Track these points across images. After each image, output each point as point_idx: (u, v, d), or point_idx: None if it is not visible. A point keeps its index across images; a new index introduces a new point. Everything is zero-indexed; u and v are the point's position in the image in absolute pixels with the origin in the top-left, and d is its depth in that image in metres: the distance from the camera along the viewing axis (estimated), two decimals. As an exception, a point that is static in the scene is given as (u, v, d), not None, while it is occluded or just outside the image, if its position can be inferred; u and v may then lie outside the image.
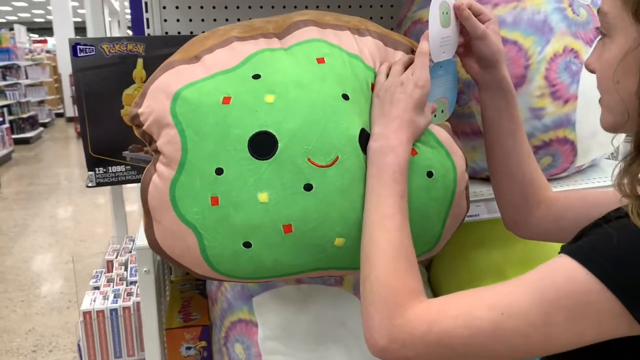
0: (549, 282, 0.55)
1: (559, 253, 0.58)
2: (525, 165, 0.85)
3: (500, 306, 0.56)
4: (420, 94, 0.74)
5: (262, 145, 0.72)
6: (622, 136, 1.09)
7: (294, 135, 0.72)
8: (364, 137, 0.75)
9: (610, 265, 0.52)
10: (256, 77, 0.75)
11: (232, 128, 0.72)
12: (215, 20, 1.25)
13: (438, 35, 0.79)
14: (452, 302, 0.60)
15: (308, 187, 0.72)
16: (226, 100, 0.73)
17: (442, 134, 0.82)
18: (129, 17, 1.27)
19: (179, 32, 1.23)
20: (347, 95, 0.75)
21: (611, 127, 0.66)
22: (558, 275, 0.54)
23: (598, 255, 0.53)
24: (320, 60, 0.77)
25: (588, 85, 1.02)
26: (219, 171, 0.72)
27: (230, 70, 0.76)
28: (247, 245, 0.73)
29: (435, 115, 0.83)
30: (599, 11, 0.64)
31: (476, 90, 0.97)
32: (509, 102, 0.83)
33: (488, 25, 0.82)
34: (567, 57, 1.00)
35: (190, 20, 1.24)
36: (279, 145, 0.72)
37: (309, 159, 0.72)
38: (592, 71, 0.68)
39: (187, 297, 1.23)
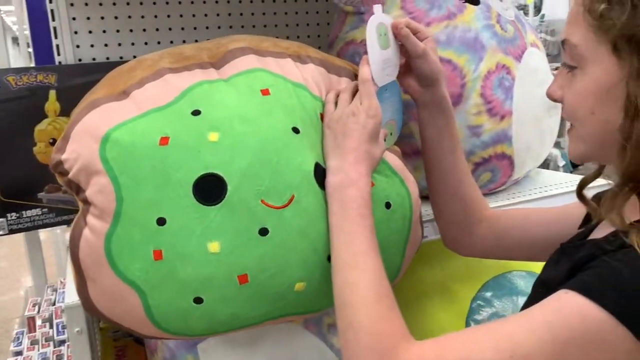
0: (559, 320, 0.51)
1: (561, 289, 0.54)
2: (465, 184, 0.83)
3: (508, 348, 0.51)
4: (373, 124, 0.70)
5: (209, 189, 0.64)
6: (551, 148, 1.11)
7: (244, 176, 0.64)
8: (319, 172, 0.69)
9: (624, 301, 0.50)
10: (196, 113, 0.67)
11: (173, 172, 0.64)
12: (133, 44, 1.14)
13: (379, 59, 0.75)
14: (450, 345, 0.55)
15: (263, 232, 0.65)
16: (164, 140, 0.65)
17: (395, 161, 0.78)
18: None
19: (93, 59, 1.11)
20: (297, 129, 0.69)
21: (581, 157, 0.65)
22: (568, 312, 0.51)
23: (610, 291, 0.51)
24: (265, 92, 0.70)
25: (521, 100, 1.02)
26: (161, 221, 0.63)
27: (165, 106, 0.67)
28: (198, 301, 0.65)
29: (385, 140, 0.79)
30: (564, 42, 0.62)
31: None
32: (449, 121, 0.82)
33: (426, 42, 0.79)
34: (500, 73, 1.00)
35: (106, 45, 1.12)
36: (228, 187, 0.64)
37: (262, 201, 0.65)
38: (556, 100, 0.66)
39: (121, 345, 1.11)
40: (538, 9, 4.49)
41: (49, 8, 1.05)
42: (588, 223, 0.69)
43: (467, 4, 1.01)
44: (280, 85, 0.72)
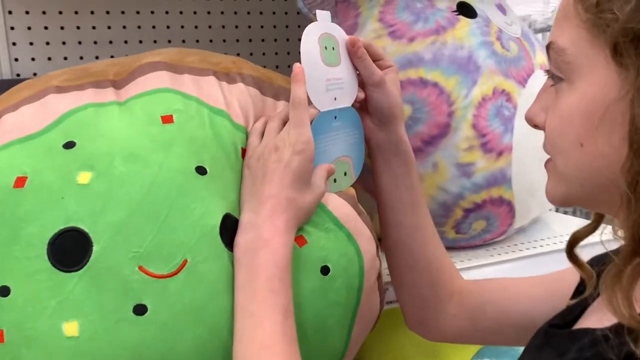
0: None
1: None
2: (430, 248, 0.65)
3: None
4: (299, 162, 0.52)
5: (69, 249, 0.46)
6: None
7: (117, 233, 0.47)
8: (230, 227, 0.51)
9: None
10: (69, 145, 0.50)
11: (25, 224, 0.46)
12: (82, 58, 0.99)
13: (321, 76, 0.57)
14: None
15: (140, 310, 0.47)
16: (20, 181, 0.48)
17: (342, 209, 0.59)
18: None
19: (34, 74, 0.96)
20: (204, 168, 0.51)
21: (562, 200, 0.47)
22: None
23: None
24: (167, 119, 0.53)
25: (523, 134, 0.82)
26: (4, 291, 0.45)
27: (32, 136, 0.51)
28: (50, 400, 0.47)
29: (335, 181, 0.61)
30: (549, 46, 0.43)
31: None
32: (409, 169, 0.64)
33: (387, 72, 0.62)
34: (497, 100, 0.80)
35: (50, 59, 0.97)
36: (94, 248, 0.46)
37: (140, 267, 0.47)
38: (536, 126, 0.48)
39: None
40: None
41: (-17, 16, 0.91)
42: (582, 292, 0.50)
43: (460, 17, 0.82)
44: (191, 111, 0.54)
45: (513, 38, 0.85)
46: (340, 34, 0.60)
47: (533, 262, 0.85)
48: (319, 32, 0.57)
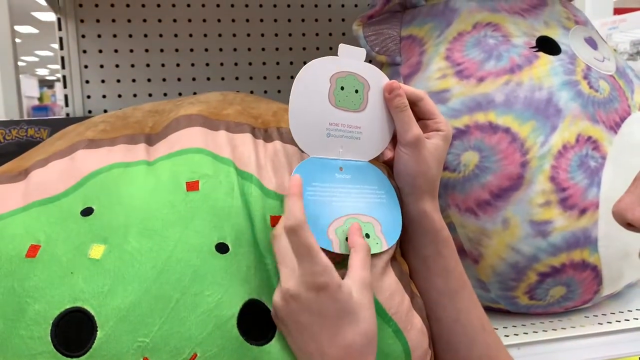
0: None
1: None
2: (477, 346, 0.52)
3: None
4: (328, 303, 0.41)
5: (73, 332, 0.41)
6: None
7: (124, 319, 0.40)
8: (252, 315, 0.43)
9: None
10: (86, 212, 0.45)
11: (32, 300, 0.41)
12: (150, 95, 0.97)
13: (319, 116, 0.49)
14: None
15: (145, 408, 0.40)
16: (32, 250, 0.43)
17: (395, 296, 0.49)
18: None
19: (105, 111, 0.95)
20: (226, 245, 0.44)
21: None
22: None
23: None
24: (192, 186, 0.46)
25: (613, 188, 0.68)
26: (7, 372, 0.41)
27: (53, 199, 0.46)
28: None
29: (347, 239, 0.48)
30: None
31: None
32: (439, 250, 0.52)
33: (431, 135, 0.51)
34: (582, 149, 0.67)
35: (120, 96, 0.96)
36: (98, 334, 0.40)
37: (145, 359, 0.40)
38: (630, 225, 0.37)
39: None
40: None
41: (59, 55, 0.91)
42: None
43: (540, 54, 0.71)
44: (221, 176, 0.47)
45: (604, 76, 0.73)
46: (376, 78, 0.51)
47: (628, 338, 0.70)
48: (336, 69, 0.48)
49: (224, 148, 0.50)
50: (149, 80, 0.96)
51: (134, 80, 0.96)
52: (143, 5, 0.92)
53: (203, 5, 0.94)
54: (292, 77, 0.99)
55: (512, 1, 0.75)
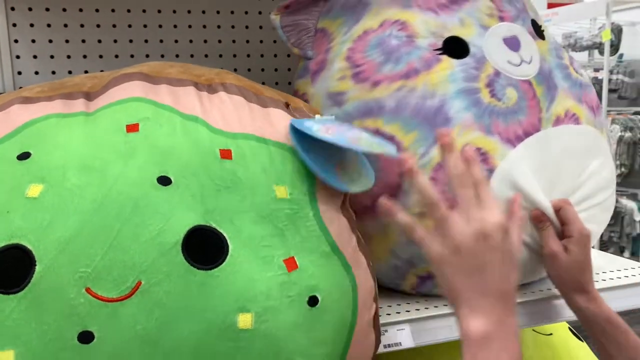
0: None
1: None
2: None
3: None
4: (513, 252, 0.52)
5: (9, 269, 0.41)
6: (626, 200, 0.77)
7: (63, 251, 0.41)
8: (200, 238, 0.44)
9: None
10: (23, 156, 0.45)
11: (-35, 241, 0.41)
12: (86, 71, 0.95)
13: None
14: None
15: (86, 337, 0.40)
16: (-35, 193, 0.43)
17: (343, 232, 0.52)
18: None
19: (38, 87, 0.93)
20: (168, 178, 0.45)
21: None
22: None
23: None
24: (132, 128, 0.47)
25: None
26: None
27: (-10, 146, 0.46)
28: None
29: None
30: None
31: None
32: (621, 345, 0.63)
33: (568, 242, 0.64)
34: None
35: (54, 72, 0.94)
36: (37, 268, 0.40)
37: (87, 289, 0.41)
38: None
39: None
40: (615, 47, 3.92)
41: (-13, 28, 0.88)
42: None
43: (443, 57, 0.66)
44: (161, 119, 0.49)
45: (516, 83, 0.67)
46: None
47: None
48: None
49: (165, 97, 0.52)
50: (84, 56, 0.95)
51: (68, 57, 0.94)
52: (78, -23, 0.91)
53: (142, -21, 0.94)
54: (235, 56, 1.00)
55: None
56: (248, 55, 1.00)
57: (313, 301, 0.47)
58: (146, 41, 0.97)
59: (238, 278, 0.44)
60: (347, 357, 0.51)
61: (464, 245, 0.50)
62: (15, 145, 0.46)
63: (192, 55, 0.99)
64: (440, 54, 0.66)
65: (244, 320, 0.43)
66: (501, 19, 0.70)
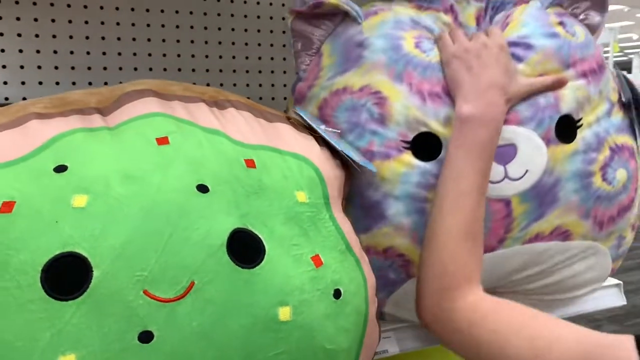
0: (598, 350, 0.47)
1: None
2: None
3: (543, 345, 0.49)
4: (507, 57, 0.64)
5: (66, 276, 0.42)
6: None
7: (119, 256, 0.43)
8: (240, 242, 0.48)
9: None
10: (60, 169, 0.46)
11: (14, 252, 0.42)
12: (58, 83, 0.95)
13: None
14: (510, 312, 0.55)
15: (146, 337, 0.43)
16: (7, 206, 0.44)
17: (352, 233, 0.58)
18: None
19: (6, 99, 0.92)
20: (206, 186, 0.49)
21: None
22: (610, 349, 0.46)
23: None
24: (163, 141, 0.50)
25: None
26: (-8, 326, 0.41)
27: (18, 160, 0.47)
28: None
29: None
30: None
31: None
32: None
33: None
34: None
35: (23, 83, 0.93)
36: (94, 273, 0.42)
37: (145, 292, 0.43)
38: None
39: None
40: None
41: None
42: None
43: (407, 153, 0.64)
44: (187, 132, 0.52)
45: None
46: None
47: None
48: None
49: (181, 112, 0.55)
50: (56, 68, 0.94)
51: (39, 67, 0.93)
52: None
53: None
54: (208, 71, 1.03)
55: (429, 75, 0.64)
56: (193, 70, 1.03)
57: (337, 294, 0.52)
58: (134, 54, 0.98)
59: (276, 275, 0.48)
60: (363, 346, 0.56)
61: (472, 47, 0.63)
62: (48, 158, 0.47)
63: (179, 69, 1.01)
64: (406, 147, 0.63)
65: (284, 313, 0.48)
66: (505, 121, 0.62)
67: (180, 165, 0.49)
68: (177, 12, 0.98)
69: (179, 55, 1.00)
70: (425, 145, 0.63)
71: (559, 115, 0.64)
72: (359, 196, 0.65)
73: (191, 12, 0.99)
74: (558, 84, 0.65)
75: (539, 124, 0.63)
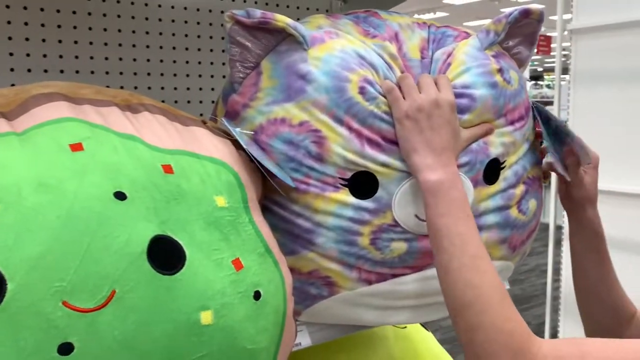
0: None
1: None
2: (613, 291, 0.79)
3: None
4: (455, 119, 0.66)
5: (-23, 290, 0.41)
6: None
7: (35, 268, 0.42)
8: (162, 248, 0.48)
9: None
10: (-35, 178, 0.45)
11: None
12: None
13: None
14: (589, 349, 0.55)
15: (66, 349, 0.42)
16: None
17: (270, 235, 0.60)
18: None
19: None
20: (123, 193, 0.49)
21: None
22: None
23: None
24: (76, 147, 0.49)
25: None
26: None
27: None
28: None
29: None
30: None
31: None
32: (596, 243, 0.79)
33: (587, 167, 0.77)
34: None
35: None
36: (9, 286, 0.41)
37: (64, 303, 0.43)
38: None
39: None
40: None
41: None
42: None
43: (344, 190, 0.66)
44: (101, 138, 0.51)
45: (411, 238, 0.68)
46: None
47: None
48: None
49: (94, 117, 0.54)
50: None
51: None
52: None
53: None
54: (122, 73, 1.00)
55: (370, 123, 0.64)
56: (148, 74, 1.00)
57: (257, 295, 0.54)
58: (61, 57, 0.93)
59: (197, 280, 0.49)
60: (281, 343, 0.59)
61: (424, 106, 0.64)
62: (-50, 168, 0.45)
63: (92, 72, 0.97)
64: (343, 185, 0.64)
65: (206, 317, 0.49)
66: None
67: (96, 172, 0.48)
68: (104, 15, 0.95)
69: (76, 57, 0.96)
70: (363, 183, 0.65)
71: (488, 159, 0.69)
72: (285, 223, 0.65)
73: (119, 16, 0.96)
74: (487, 133, 0.69)
75: (471, 168, 0.67)
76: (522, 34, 0.75)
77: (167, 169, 0.53)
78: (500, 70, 0.70)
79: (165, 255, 0.48)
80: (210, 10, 1.02)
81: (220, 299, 0.50)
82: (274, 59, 0.66)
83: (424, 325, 1.13)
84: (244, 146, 0.60)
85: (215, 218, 0.54)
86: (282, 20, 0.63)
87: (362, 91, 0.64)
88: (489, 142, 0.69)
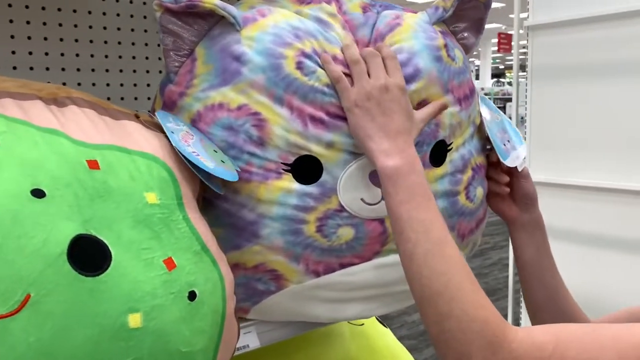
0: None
1: None
2: (568, 298, 0.79)
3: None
4: (406, 101, 0.64)
5: None
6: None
7: (-61, 272, 0.39)
8: (85, 248, 0.46)
9: None
10: None
11: None
12: None
13: None
14: (568, 337, 0.53)
15: (-26, 358, 0.40)
16: None
17: (208, 232, 0.57)
18: None
19: None
20: (42, 191, 0.46)
21: None
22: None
23: None
24: (-10, 143, 0.46)
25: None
26: None
27: None
28: None
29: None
30: None
31: None
32: (545, 238, 0.79)
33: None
34: None
35: None
36: None
37: (-28, 309, 0.40)
38: None
39: None
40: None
41: None
42: None
43: (287, 175, 0.65)
44: (19, 133, 0.48)
45: (358, 222, 0.67)
46: None
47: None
48: None
49: (13, 111, 0.51)
50: None
51: None
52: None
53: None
54: (79, 70, 0.95)
55: (311, 99, 0.62)
56: (93, 70, 0.96)
57: (192, 296, 0.52)
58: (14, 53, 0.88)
59: (124, 281, 0.47)
60: (220, 344, 0.57)
61: (373, 93, 0.62)
62: None
63: (31, 68, 0.91)
64: (286, 170, 0.62)
65: (134, 320, 0.46)
66: None
67: (12, 168, 0.45)
68: (27, 7, 0.90)
69: (30, 53, 0.91)
70: (307, 168, 0.63)
71: (435, 141, 0.68)
72: (229, 216, 0.63)
73: (43, 8, 0.91)
74: (441, 109, 0.68)
75: (418, 150, 0.65)
76: (470, 19, 0.75)
77: (93, 164, 0.51)
78: (446, 46, 0.70)
79: (88, 255, 0.46)
80: (144, 3, 0.99)
81: (151, 300, 0.48)
82: (208, 43, 0.64)
83: (381, 321, 1.13)
84: (173, 143, 0.57)
85: (145, 215, 0.51)
86: (209, 1, 0.62)
87: (299, 66, 0.62)
88: (439, 124, 0.69)
